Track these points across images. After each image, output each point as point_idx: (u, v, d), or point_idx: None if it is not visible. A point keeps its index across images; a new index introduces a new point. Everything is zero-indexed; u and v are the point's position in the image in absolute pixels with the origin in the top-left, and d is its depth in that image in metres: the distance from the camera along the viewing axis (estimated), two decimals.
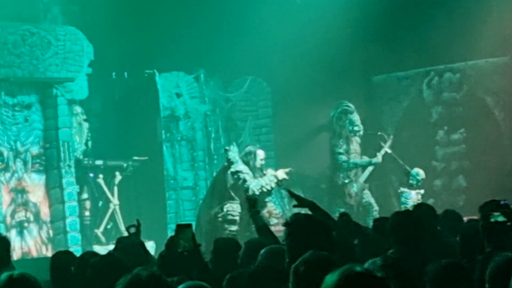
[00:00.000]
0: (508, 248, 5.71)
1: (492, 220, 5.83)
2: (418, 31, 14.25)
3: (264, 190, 12.42)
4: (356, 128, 14.72)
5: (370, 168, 14.73)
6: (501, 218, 5.81)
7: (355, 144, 14.78)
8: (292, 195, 6.65)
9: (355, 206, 14.53)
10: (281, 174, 12.65)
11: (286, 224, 5.03)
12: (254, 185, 12.47)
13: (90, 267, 5.46)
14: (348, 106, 14.85)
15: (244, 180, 12.50)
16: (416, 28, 14.26)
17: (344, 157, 14.61)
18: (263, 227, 6.77)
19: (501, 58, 14.47)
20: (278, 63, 14.89)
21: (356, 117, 14.78)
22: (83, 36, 13.99)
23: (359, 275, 3.16)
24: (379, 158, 14.60)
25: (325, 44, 14.33)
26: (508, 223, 5.79)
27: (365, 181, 14.79)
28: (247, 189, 12.35)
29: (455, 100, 15.06)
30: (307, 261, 4.08)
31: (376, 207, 14.56)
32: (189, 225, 5.75)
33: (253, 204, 7.10)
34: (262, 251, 5.43)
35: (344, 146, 14.69)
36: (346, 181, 14.55)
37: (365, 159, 14.75)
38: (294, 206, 6.57)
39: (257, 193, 12.40)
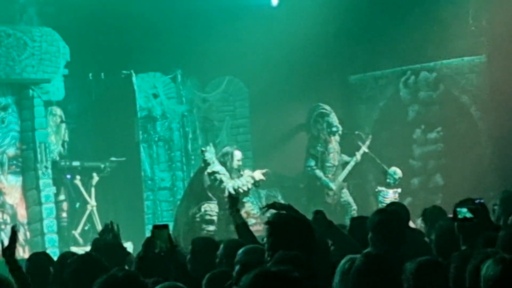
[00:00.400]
0: (481, 245, 5.77)
1: (460, 216, 5.86)
2: (394, 31, 14.28)
3: (241, 191, 12.44)
4: (334, 129, 14.76)
5: (349, 167, 14.76)
6: (468, 214, 5.84)
7: (334, 143, 14.82)
8: (268, 205, 6.61)
9: (333, 205, 14.57)
10: (258, 175, 12.67)
11: (267, 223, 5.03)
12: (231, 186, 12.48)
13: (67, 266, 5.44)
14: (324, 109, 14.89)
15: (221, 181, 12.51)
16: (392, 28, 14.29)
17: (312, 162, 14.67)
18: (242, 226, 6.75)
19: (477, 57, 14.53)
20: (255, 63, 14.89)
21: (333, 119, 14.82)
22: (59, 37, 13.94)
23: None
24: (358, 157, 14.64)
25: (302, 44, 14.36)
26: (474, 220, 5.82)
27: (344, 180, 14.83)
28: (223, 190, 12.36)
29: (432, 99, 15.11)
30: (275, 261, 4.09)
31: (354, 206, 14.60)
32: (166, 226, 5.74)
33: (233, 202, 7.07)
34: (241, 250, 5.42)
35: (321, 149, 14.74)
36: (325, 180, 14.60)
37: (345, 158, 14.79)
38: (269, 207, 6.56)
39: (234, 193, 12.41)
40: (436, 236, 6.28)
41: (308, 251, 4.82)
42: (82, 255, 5.81)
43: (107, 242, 6.95)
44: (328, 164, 14.78)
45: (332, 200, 14.62)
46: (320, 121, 14.81)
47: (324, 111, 14.85)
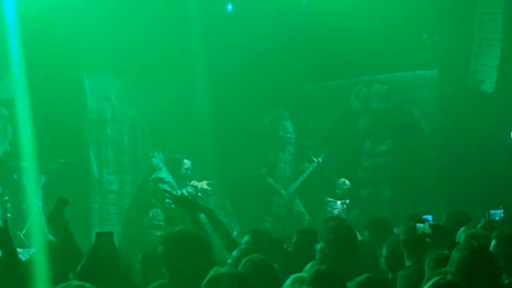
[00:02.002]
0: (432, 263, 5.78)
1: (419, 232, 5.88)
2: (348, 42, 14.33)
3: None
4: (288, 135, 14.81)
5: (301, 178, 14.81)
6: (427, 230, 5.87)
7: (287, 154, 14.86)
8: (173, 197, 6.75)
9: (283, 215, 14.57)
10: (204, 185, 12.68)
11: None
12: (176, 193, 12.47)
13: None
14: (282, 112, 14.95)
15: (164, 190, 12.51)
16: (346, 39, 14.34)
17: (263, 170, 14.70)
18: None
19: (429, 71, 14.65)
20: (208, 68, 14.85)
21: (289, 125, 14.88)
22: (10, 35, 13.74)
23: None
24: (316, 162, 14.69)
25: (256, 52, 14.35)
26: (431, 237, 5.85)
27: (295, 191, 14.86)
28: (163, 200, 12.38)
29: (383, 112, 15.19)
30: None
31: (307, 217, 14.62)
32: (110, 234, 5.67)
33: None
34: None
35: (272, 157, 14.76)
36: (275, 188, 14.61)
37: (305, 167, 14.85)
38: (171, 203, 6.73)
39: (173, 205, 12.43)
40: (386, 252, 6.31)
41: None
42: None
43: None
44: (278, 174, 14.80)
45: (282, 209, 14.62)
46: (276, 124, 14.88)
47: (282, 114, 14.93)
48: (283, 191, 14.61)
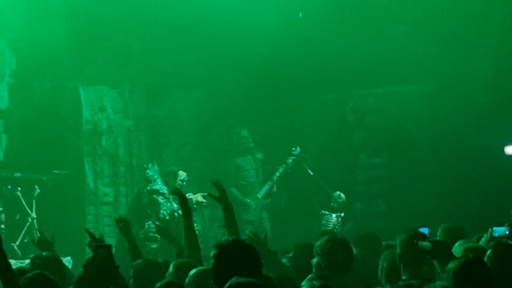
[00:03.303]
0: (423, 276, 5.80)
1: (421, 249, 5.89)
2: (344, 55, 14.37)
3: (176, 214, 12.40)
4: (244, 140, 14.91)
5: (269, 183, 14.86)
6: (429, 247, 5.87)
7: (249, 160, 14.94)
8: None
9: (256, 222, 14.61)
10: (199, 197, 12.68)
11: (215, 247, 4.99)
12: (166, 209, 12.47)
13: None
14: (236, 123, 15.07)
15: (157, 202, 12.50)
16: (342, 52, 14.38)
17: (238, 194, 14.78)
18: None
19: (425, 86, 14.70)
20: (204, 81, 14.88)
21: (244, 131, 14.98)
22: (5, 45, 13.75)
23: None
24: (287, 163, 14.70)
25: (250, 64, 14.36)
26: (433, 253, 5.86)
27: (264, 197, 14.89)
28: (158, 211, 12.36)
29: (378, 125, 15.23)
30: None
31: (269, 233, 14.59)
32: (108, 246, 5.65)
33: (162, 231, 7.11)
34: (192, 272, 5.38)
35: (232, 165, 14.87)
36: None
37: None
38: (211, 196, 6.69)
39: (167, 217, 12.44)
40: (386, 265, 6.32)
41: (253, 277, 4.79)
42: (35, 273, 5.69)
43: (45, 257, 6.84)
44: (242, 182, 14.84)
45: (253, 216, 14.64)
46: (229, 133, 14.99)
47: (235, 123, 15.03)
48: (247, 200, 14.66)
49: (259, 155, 15.20)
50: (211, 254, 4.92)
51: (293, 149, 14.73)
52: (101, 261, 5.34)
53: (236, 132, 15.02)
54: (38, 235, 13.20)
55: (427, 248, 5.84)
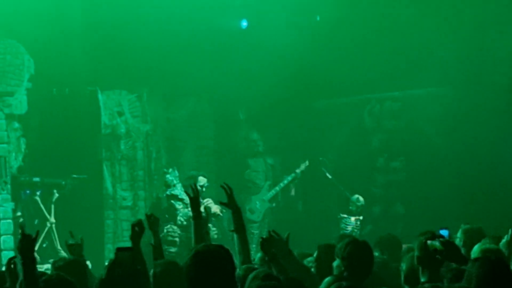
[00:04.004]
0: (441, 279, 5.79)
1: (431, 249, 5.87)
2: (361, 58, 14.35)
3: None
4: (252, 144, 14.98)
5: (276, 188, 14.89)
6: (438, 247, 5.86)
7: (260, 163, 14.98)
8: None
9: (259, 224, 14.64)
10: (215, 209, 12.71)
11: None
12: (182, 215, 12.51)
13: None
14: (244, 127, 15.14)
15: (175, 208, 12.54)
16: (359, 55, 14.36)
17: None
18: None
19: (441, 89, 14.66)
20: (222, 85, 14.89)
21: (254, 134, 15.03)
22: (24, 50, 13.80)
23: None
24: (297, 172, 14.74)
25: (268, 68, 14.35)
26: (443, 254, 5.84)
27: (270, 201, 14.92)
28: (175, 217, 12.40)
29: (396, 128, 15.21)
30: None
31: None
32: (130, 249, 5.65)
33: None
34: None
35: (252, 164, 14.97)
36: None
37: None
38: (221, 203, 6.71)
39: (184, 223, 12.47)
40: (406, 267, 6.32)
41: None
42: (52, 275, 5.71)
43: (68, 261, 6.86)
44: (250, 183, 14.92)
45: (257, 217, 14.70)
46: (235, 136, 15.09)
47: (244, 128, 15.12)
48: (254, 199, 14.77)
49: (270, 160, 15.24)
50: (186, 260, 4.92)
51: (321, 159, 14.79)
52: (122, 264, 5.35)
53: (246, 135, 15.06)
54: (57, 238, 13.33)
55: (438, 248, 5.83)
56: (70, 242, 7.73)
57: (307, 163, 14.90)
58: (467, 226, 8.05)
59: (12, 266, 6.02)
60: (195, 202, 7.04)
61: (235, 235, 6.84)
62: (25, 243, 5.49)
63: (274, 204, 15.02)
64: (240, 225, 6.78)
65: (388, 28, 14.28)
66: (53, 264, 7.09)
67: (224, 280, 4.71)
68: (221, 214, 12.87)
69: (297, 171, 14.83)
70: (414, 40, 14.17)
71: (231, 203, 6.87)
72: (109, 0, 13.54)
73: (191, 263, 4.75)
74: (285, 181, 14.93)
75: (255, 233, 14.47)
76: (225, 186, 6.95)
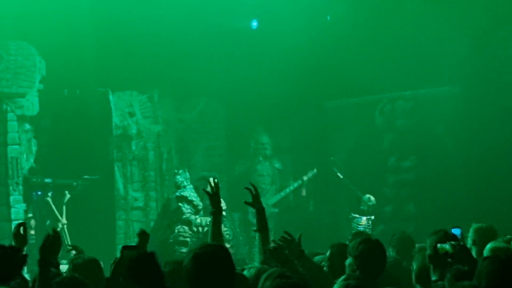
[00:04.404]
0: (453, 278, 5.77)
1: (441, 252, 5.87)
2: (372, 58, 14.34)
3: (200, 229, 12.47)
4: (260, 146, 14.96)
5: (281, 193, 14.89)
6: (449, 250, 5.85)
7: (266, 167, 14.98)
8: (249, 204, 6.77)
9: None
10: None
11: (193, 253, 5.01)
12: (195, 224, 12.55)
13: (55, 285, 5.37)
14: (255, 127, 15.11)
15: (182, 212, 12.57)
16: (370, 55, 14.35)
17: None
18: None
19: (452, 88, 14.64)
20: (233, 85, 14.90)
21: (264, 137, 15.03)
22: (35, 51, 13.84)
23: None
24: (304, 179, 14.75)
25: (279, 68, 14.37)
26: (455, 256, 5.83)
27: (274, 205, 14.91)
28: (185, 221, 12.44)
29: (407, 128, 15.19)
30: None
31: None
32: (136, 247, 5.67)
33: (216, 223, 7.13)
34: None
35: (244, 168, 14.95)
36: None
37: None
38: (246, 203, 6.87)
39: (200, 229, 12.48)
40: (417, 266, 6.31)
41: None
42: (66, 277, 5.73)
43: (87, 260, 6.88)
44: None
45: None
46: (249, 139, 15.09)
47: (255, 128, 15.09)
48: (262, 186, 14.77)
49: (277, 165, 15.23)
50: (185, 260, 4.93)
51: (332, 158, 14.78)
52: (128, 262, 5.36)
53: (256, 138, 15.06)
54: (68, 240, 13.36)
55: (448, 251, 5.82)
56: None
57: (315, 171, 14.90)
58: (478, 225, 8.02)
59: (21, 231, 6.09)
60: (215, 198, 7.05)
61: (257, 235, 6.88)
62: (47, 245, 5.53)
63: (277, 210, 15.00)
64: (263, 225, 6.82)
65: (399, 27, 14.26)
66: (71, 262, 7.11)
67: (224, 279, 4.72)
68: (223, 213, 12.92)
69: (304, 178, 14.83)
70: (425, 39, 14.16)
71: (256, 203, 6.91)
72: (120, 1, 13.55)
73: (190, 264, 4.77)
74: (291, 187, 14.95)
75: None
76: (251, 187, 7.00)
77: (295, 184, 14.85)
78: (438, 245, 5.90)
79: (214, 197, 7.02)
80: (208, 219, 12.50)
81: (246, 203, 7.04)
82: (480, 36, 13.98)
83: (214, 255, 4.82)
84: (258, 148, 15.12)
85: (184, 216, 12.65)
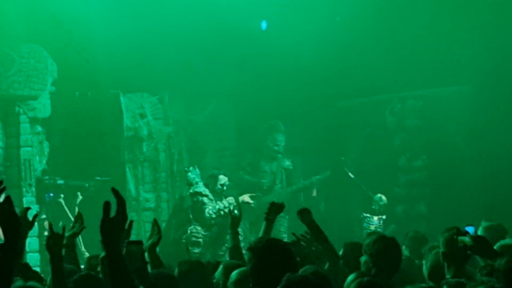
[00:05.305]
0: (468, 275, 5.78)
1: (461, 244, 5.85)
2: (382, 57, 14.34)
3: (222, 213, 12.44)
4: (276, 148, 14.92)
5: (288, 189, 14.90)
6: (469, 242, 5.83)
7: (274, 165, 14.97)
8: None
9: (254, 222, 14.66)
10: (246, 198, 12.72)
11: (249, 249, 5.05)
12: (211, 208, 12.51)
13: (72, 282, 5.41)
14: (277, 123, 15.05)
15: (202, 203, 12.54)
16: (380, 54, 14.35)
17: (241, 173, 14.87)
18: (234, 248, 6.88)
19: (463, 87, 14.63)
20: (243, 86, 14.92)
21: (281, 137, 14.99)
22: (47, 54, 13.88)
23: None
24: (312, 181, 14.76)
25: (290, 68, 14.38)
26: (474, 249, 5.83)
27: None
28: (203, 212, 12.40)
29: (418, 127, 15.18)
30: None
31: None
32: (140, 242, 5.70)
33: (234, 224, 7.30)
34: (235, 272, 5.45)
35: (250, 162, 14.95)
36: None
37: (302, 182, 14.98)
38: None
39: (214, 216, 12.49)
40: (430, 264, 6.32)
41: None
42: (81, 275, 5.78)
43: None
44: (255, 180, 14.92)
45: (252, 218, 14.71)
46: (267, 135, 15.03)
47: (275, 125, 15.03)
48: (263, 180, 14.76)
49: (286, 164, 15.20)
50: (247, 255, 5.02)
51: (343, 158, 14.77)
52: (132, 258, 5.39)
53: (274, 137, 15.06)
54: (81, 241, 13.39)
55: (468, 243, 5.79)
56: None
57: (328, 173, 14.86)
58: (488, 223, 8.03)
59: (27, 215, 6.12)
60: (236, 222, 7.35)
61: (263, 223, 7.23)
62: (54, 241, 5.57)
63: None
64: (320, 237, 6.90)
65: (409, 27, 14.25)
66: (88, 260, 7.17)
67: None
68: (251, 202, 12.93)
69: (314, 178, 14.81)
70: (436, 39, 14.15)
71: (305, 219, 7.06)
72: (131, 3, 13.59)
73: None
74: (300, 185, 14.90)
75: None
76: (302, 210, 7.17)
77: (306, 183, 14.85)
78: (460, 238, 5.88)
79: (235, 220, 7.30)
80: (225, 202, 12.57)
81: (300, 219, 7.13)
82: (490, 35, 13.96)
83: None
84: (273, 148, 15.06)
85: (205, 207, 12.61)
